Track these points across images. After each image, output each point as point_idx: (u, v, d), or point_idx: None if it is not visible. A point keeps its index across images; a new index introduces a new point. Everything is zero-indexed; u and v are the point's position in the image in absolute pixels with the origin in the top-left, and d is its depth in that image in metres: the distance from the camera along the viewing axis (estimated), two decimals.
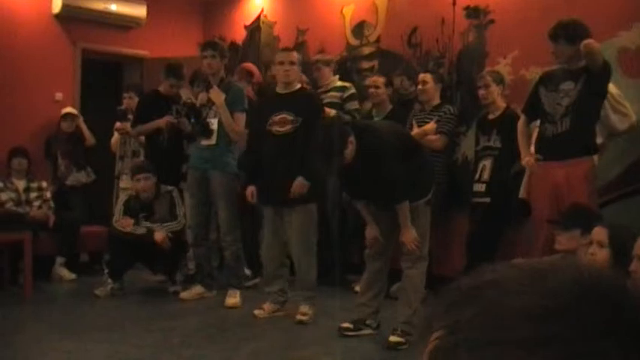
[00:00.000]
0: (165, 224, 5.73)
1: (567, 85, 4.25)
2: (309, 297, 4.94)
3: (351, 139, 4.14)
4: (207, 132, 5.42)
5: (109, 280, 5.79)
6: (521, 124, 4.56)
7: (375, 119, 5.78)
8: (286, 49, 5.21)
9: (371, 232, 4.38)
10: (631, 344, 0.49)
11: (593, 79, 4.15)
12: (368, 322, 4.56)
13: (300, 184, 4.79)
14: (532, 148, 4.45)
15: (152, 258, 5.80)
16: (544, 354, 0.48)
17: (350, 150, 4.13)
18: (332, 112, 5.69)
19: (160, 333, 4.59)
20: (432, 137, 5.40)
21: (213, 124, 5.40)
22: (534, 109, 4.43)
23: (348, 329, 4.50)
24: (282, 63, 4.96)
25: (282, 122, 4.91)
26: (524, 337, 0.49)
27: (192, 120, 5.56)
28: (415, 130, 5.45)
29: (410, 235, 4.24)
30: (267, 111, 5.02)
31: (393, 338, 4.29)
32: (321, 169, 4.64)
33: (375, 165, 4.11)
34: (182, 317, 5.13)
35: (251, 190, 5.05)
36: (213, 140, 5.40)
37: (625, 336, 0.49)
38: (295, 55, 5.02)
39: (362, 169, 4.15)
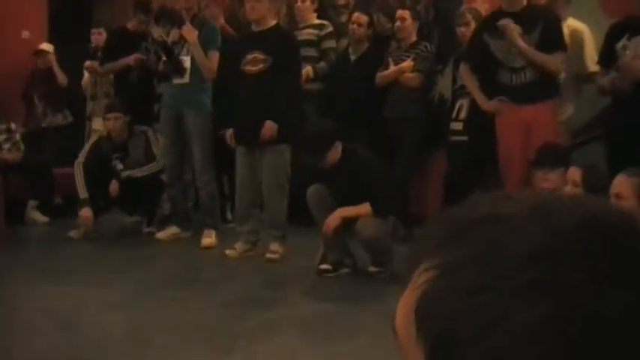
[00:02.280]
0: (145, 167, 5.66)
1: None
2: (278, 236, 4.95)
3: (338, 144, 4.30)
4: (179, 70, 5.31)
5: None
6: (466, 72, 4.59)
7: (352, 57, 5.69)
8: None
9: (327, 222, 4.33)
10: None
11: (550, 32, 4.16)
12: (346, 261, 4.59)
13: (268, 127, 4.74)
14: None
15: (130, 200, 5.74)
16: (545, 303, 0.43)
17: (333, 154, 4.28)
18: (308, 69, 5.59)
19: (137, 275, 4.58)
20: (409, 75, 5.34)
21: (186, 61, 5.30)
22: (477, 56, 4.41)
23: (327, 271, 4.53)
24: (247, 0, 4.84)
25: (254, 62, 4.84)
26: (524, 284, 0.44)
27: (164, 58, 5.42)
28: (391, 68, 5.38)
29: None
30: (240, 49, 4.94)
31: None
32: (294, 111, 4.62)
33: (364, 177, 4.25)
34: (158, 258, 5.12)
35: (230, 133, 4.99)
36: (186, 79, 5.30)
37: (637, 286, 0.44)
38: None
39: (348, 177, 4.27)
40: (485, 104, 4.50)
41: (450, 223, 0.50)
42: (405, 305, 0.50)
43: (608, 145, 4.24)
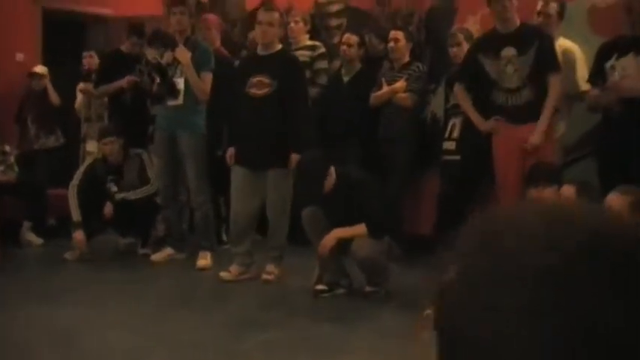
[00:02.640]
0: (139, 189, 5.68)
1: (508, 52, 4.34)
2: (276, 257, 4.96)
3: (332, 169, 4.35)
4: (173, 92, 5.33)
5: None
6: (461, 92, 4.64)
7: (345, 78, 5.73)
8: (269, 8, 4.96)
9: (323, 243, 4.34)
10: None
11: (544, 53, 4.22)
12: (342, 282, 4.62)
13: (295, 159, 4.67)
14: None
15: (124, 222, 5.75)
16: (550, 321, 0.46)
17: (329, 183, 4.33)
18: None
19: (133, 296, 4.58)
20: (402, 95, 5.38)
21: (180, 83, 5.32)
22: (471, 76, 4.47)
23: (323, 291, 4.55)
24: (260, 23, 4.88)
25: (259, 85, 4.84)
26: (530, 302, 0.47)
27: (158, 80, 5.45)
28: (385, 89, 5.42)
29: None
30: (245, 72, 4.95)
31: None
32: (305, 136, 4.73)
33: (358, 198, 4.29)
34: (153, 280, 5.11)
35: (231, 152, 5.00)
36: (179, 100, 5.32)
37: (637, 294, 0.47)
38: (276, 16, 4.90)
39: (344, 199, 4.31)
40: (482, 124, 4.54)
41: (472, 233, 0.54)
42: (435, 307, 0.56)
43: (600, 162, 4.29)
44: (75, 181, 5.71)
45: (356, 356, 3.51)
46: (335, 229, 4.35)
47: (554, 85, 4.27)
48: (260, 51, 4.96)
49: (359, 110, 5.54)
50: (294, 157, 4.68)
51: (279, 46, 4.99)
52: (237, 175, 4.99)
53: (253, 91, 4.85)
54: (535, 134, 4.23)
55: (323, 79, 5.90)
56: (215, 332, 3.87)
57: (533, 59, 4.28)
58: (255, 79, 4.84)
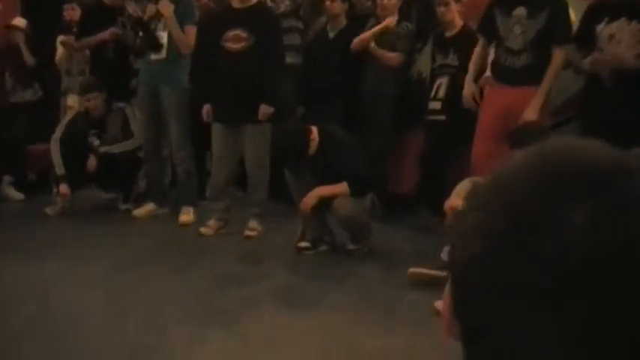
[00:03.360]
0: (122, 143, 5.67)
1: (519, 11, 4.22)
2: (257, 213, 4.97)
3: (313, 135, 4.36)
4: (156, 46, 5.28)
5: (58, 199, 5.67)
6: (479, 46, 4.51)
7: (330, 34, 5.65)
8: None
9: (305, 201, 4.36)
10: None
11: (555, 21, 4.11)
12: (325, 239, 4.65)
13: (265, 110, 4.74)
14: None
15: (106, 177, 5.72)
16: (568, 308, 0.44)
17: (313, 146, 4.35)
18: None
19: (114, 251, 4.58)
20: (390, 55, 5.33)
21: (163, 37, 5.26)
22: (490, 30, 4.37)
23: (306, 248, 4.57)
24: None
25: (235, 39, 4.81)
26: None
27: (141, 34, 5.39)
28: (368, 33, 5.36)
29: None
30: (221, 26, 4.89)
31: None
32: (278, 90, 4.72)
33: (340, 156, 4.31)
34: (135, 235, 5.12)
35: (207, 108, 4.97)
36: (163, 54, 5.27)
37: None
38: None
39: (325, 157, 4.32)
40: (467, 86, 4.47)
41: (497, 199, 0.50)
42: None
43: (583, 126, 4.27)
44: (57, 134, 5.69)
45: (338, 312, 3.53)
46: (317, 186, 4.36)
47: (557, 58, 4.14)
48: (235, 4, 4.90)
49: (344, 67, 5.48)
50: (264, 108, 4.72)
51: (255, 0, 4.92)
52: (215, 132, 4.99)
53: (229, 45, 4.81)
54: (530, 109, 4.13)
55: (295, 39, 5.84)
56: (196, 287, 3.89)
57: (542, 25, 4.16)
58: (231, 33, 4.80)
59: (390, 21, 5.31)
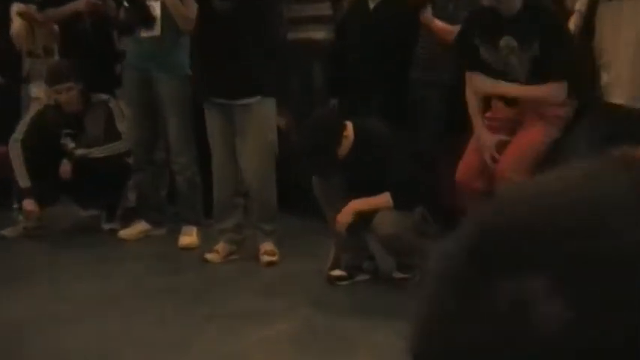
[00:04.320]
0: (107, 146, 5.79)
1: (507, 42, 4.53)
2: (271, 231, 5.18)
3: (347, 132, 4.56)
4: (147, 20, 5.44)
5: (21, 218, 5.86)
6: (475, 85, 4.81)
7: (371, 3, 5.78)
8: None
9: (339, 218, 4.58)
10: None
11: (550, 46, 4.45)
12: (365, 265, 4.87)
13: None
14: None
15: (85, 189, 5.82)
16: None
17: (346, 146, 4.54)
18: None
19: (97, 283, 4.79)
20: (448, 28, 5.35)
21: (156, 8, 5.42)
22: (478, 64, 4.71)
23: (341, 278, 4.78)
24: None
25: None
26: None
27: (126, 3, 5.54)
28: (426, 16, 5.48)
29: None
30: None
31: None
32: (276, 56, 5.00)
33: (381, 159, 4.50)
34: (123, 262, 5.32)
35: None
36: (156, 31, 5.43)
37: None
38: None
39: (362, 160, 4.52)
40: (487, 138, 4.76)
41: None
42: None
43: None
44: (18, 134, 5.78)
45: (378, 359, 3.73)
46: (353, 199, 4.54)
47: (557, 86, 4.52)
48: None
49: (388, 46, 5.65)
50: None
51: None
52: (211, 120, 5.23)
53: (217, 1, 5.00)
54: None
55: None
56: (201, 328, 4.10)
57: (538, 55, 4.50)
58: None
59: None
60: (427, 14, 5.43)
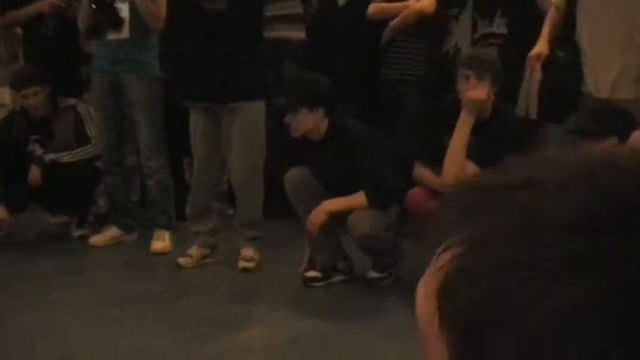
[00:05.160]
0: (77, 150, 5.76)
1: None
2: (252, 237, 5.16)
3: (319, 110, 4.60)
4: (115, 21, 5.43)
5: None
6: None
7: (340, 1, 5.80)
8: None
9: (311, 218, 4.59)
10: None
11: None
12: (339, 266, 4.87)
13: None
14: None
15: (54, 194, 5.79)
16: (587, 279, 0.47)
17: (319, 128, 4.58)
18: None
19: (68, 292, 4.75)
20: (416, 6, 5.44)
21: (124, 9, 5.42)
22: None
23: (315, 279, 4.78)
24: None
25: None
26: (563, 257, 0.48)
27: (94, 5, 5.49)
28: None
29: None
30: None
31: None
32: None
33: (356, 158, 4.50)
34: (95, 269, 5.34)
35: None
36: (124, 33, 5.43)
37: None
38: None
39: (337, 159, 4.53)
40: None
41: (476, 192, 0.55)
42: (425, 291, 0.55)
43: None
44: None
45: None
46: (327, 198, 4.56)
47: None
48: None
49: (360, 42, 5.64)
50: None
51: None
52: (192, 124, 5.20)
53: (205, 2, 4.97)
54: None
55: None
56: (177, 335, 4.08)
57: None
58: None
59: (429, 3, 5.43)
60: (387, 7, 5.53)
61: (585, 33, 4.64)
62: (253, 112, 5.10)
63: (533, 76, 4.84)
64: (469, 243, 0.51)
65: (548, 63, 4.87)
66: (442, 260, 0.53)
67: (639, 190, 0.49)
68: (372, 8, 5.58)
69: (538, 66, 4.83)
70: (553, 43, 4.84)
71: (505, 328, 0.48)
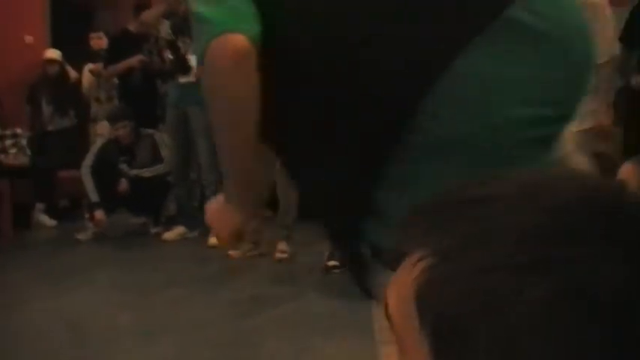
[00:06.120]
0: (154, 167, 5.77)
1: None
2: (286, 235, 4.99)
3: None
4: (185, 68, 5.36)
5: (90, 224, 5.73)
6: None
7: None
8: None
9: None
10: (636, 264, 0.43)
11: None
12: None
13: None
14: None
15: (136, 201, 5.78)
16: (551, 279, 0.42)
17: None
18: None
19: (146, 275, 4.60)
20: None
21: (192, 59, 5.31)
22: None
23: (335, 267, 4.53)
24: None
25: None
26: (526, 261, 0.43)
27: (170, 56, 5.49)
28: None
29: None
30: None
31: None
32: None
33: None
34: (165, 258, 5.14)
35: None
36: (192, 77, 5.33)
37: (631, 259, 0.43)
38: None
39: None
40: None
41: (437, 209, 0.49)
42: (398, 296, 0.49)
43: (625, 133, 4.18)
44: (87, 161, 5.78)
45: (367, 334, 3.48)
46: None
47: None
48: None
49: None
50: None
51: None
52: None
53: None
54: None
55: None
56: (225, 310, 3.88)
57: None
58: None
59: None
60: None
61: None
62: None
63: None
64: (440, 254, 0.46)
65: None
66: (415, 271, 0.47)
67: (577, 205, 0.45)
68: None
69: None
70: None
71: (482, 322, 0.43)
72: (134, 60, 6.00)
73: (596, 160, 3.38)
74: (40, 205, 6.46)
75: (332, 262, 4.54)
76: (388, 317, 0.50)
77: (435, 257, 0.46)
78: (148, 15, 5.91)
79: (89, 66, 6.88)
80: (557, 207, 0.45)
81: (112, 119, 5.90)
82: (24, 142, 6.61)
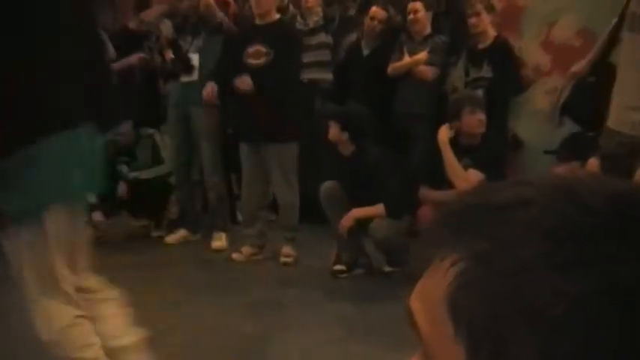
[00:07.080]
0: (153, 169, 5.75)
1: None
2: (290, 238, 4.99)
3: (345, 134, 4.50)
4: (187, 68, 5.35)
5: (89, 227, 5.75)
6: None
7: (364, 52, 5.73)
8: None
9: (342, 223, 4.43)
10: None
11: None
12: (360, 261, 4.70)
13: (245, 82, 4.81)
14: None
15: (137, 204, 5.78)
16: (585, 278, 0.44)
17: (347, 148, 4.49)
18: None
19: (146, 279, 4.61)
20: (424, 68, 5.34)
21: (194, 59, 5.35)
22: None
23: (341, 271, 4.59)
24: None
25: (256, 54, 4.87)
26: (565, 260, 0.45)
27: (172, 56, 5.49)
28: (406, 59, 5.38)
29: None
30: (243, 43, 4.97)
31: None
32: (299, 106, 4.87)
33: (377, 177, 4.36)
34: (168, 262, 5.16)
35: (211, 86, 5.10)
36: (194, 76, 5.33)
37: None
38: None
39: (361, 176, 4.38)
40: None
41: (468, 212, 0.50)
42: (427, 300, 0.50)
43: None
44: None
45: (373, 337, 3.52)
46: (353, 208, 4.42)
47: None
48: (257, 21, 4.99)
49: (378, 84, 5.52)
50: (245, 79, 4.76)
51: (277, 16, 5.04)
52: (243, 154, 5.04)
53: (250, 60, 4.87)
54: None
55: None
56: (230, 314, 3.91)
57: None
58: (252, 49, 4.87)
59: (423, 57, 5.35)
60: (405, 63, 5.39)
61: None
62: (289, 154, 4.89)
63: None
64: (475, 257, 0.47)
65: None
66: (449, 275, 0.48)
67: (607, 206, 0.46)
68: (390, 69, 5.45)
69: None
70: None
71: (524, 325, 0.44)
72: (134, 58, 5.98)
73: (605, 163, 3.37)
74: None
75: (338, 267, 4.60)
76: (413, 325, 0.51)
77: (468, 261, 0.47)
78: (148, 14, 5.94)
79: None
80: (592, 207, 0.46)
81: None
82: None
